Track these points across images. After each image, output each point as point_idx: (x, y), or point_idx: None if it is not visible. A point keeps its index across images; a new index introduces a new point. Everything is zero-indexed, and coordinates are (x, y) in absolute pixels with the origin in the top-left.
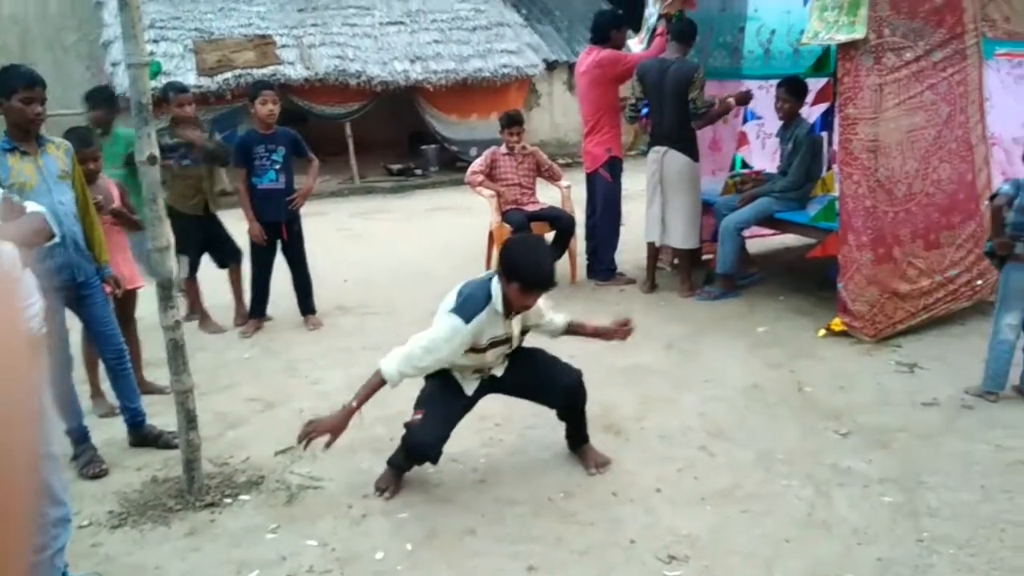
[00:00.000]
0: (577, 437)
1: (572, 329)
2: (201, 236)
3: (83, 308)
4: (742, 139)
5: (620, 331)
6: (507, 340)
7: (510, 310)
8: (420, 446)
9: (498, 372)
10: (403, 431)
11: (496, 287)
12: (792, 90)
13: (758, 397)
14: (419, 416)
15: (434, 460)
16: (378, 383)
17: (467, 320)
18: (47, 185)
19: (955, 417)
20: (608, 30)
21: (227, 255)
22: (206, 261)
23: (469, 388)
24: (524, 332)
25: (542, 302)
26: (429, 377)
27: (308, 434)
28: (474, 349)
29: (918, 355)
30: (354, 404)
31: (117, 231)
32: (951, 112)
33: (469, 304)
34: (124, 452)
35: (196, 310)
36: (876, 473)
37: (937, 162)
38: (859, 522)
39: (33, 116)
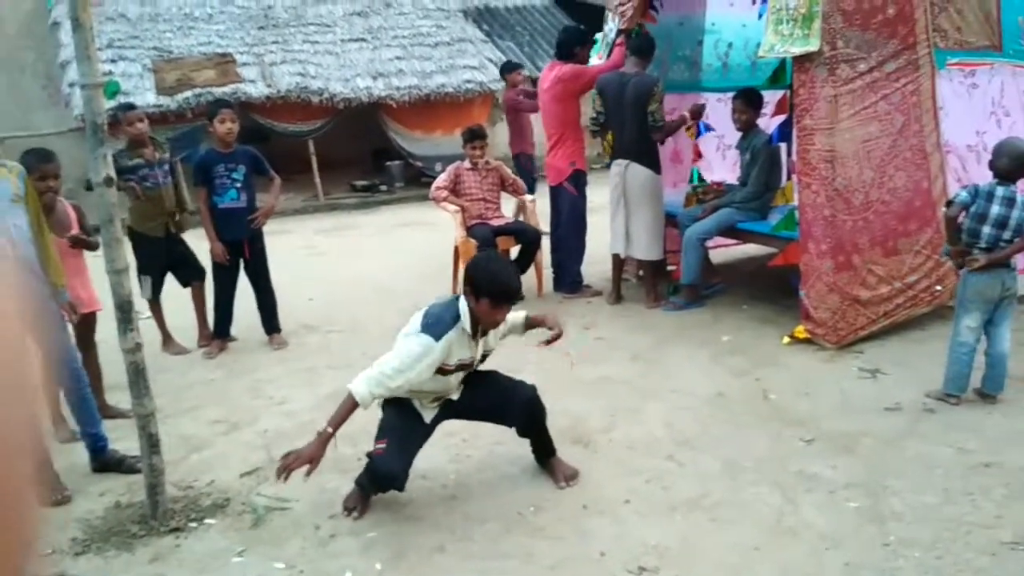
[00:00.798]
0: (543, 451)
1: (530, 322)
2: (163, 257)
3: None
4: (695, 152)
5: (552, 331)
6: (471, 364)
7: (477, 328)
8: (386, 477)
9: (454, 396)
10: (367, 453)
11: (463, 306)
12: (748, 101)
13: (724, 405)
14: (382, 446)
15: (400, 488)
16: (351, 406)
17: (437, 338)
18: None
19: (917, 421)
20: (572, 47)
21: (190, 274)
22: (169, 281)
23: (428, 415)
24: (484, 357)
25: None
26: (387, 404)
27: (287, 467)
28: (442, 371)
29: (880, 360)
30: (329, 430)
31: (74, 254)
32: (905, 121)
33: (439, 324)
34: (86, 478)
35: (163, 335)
36: (842, 478)
37: (893, 170)
38: (826, 527)
39: None
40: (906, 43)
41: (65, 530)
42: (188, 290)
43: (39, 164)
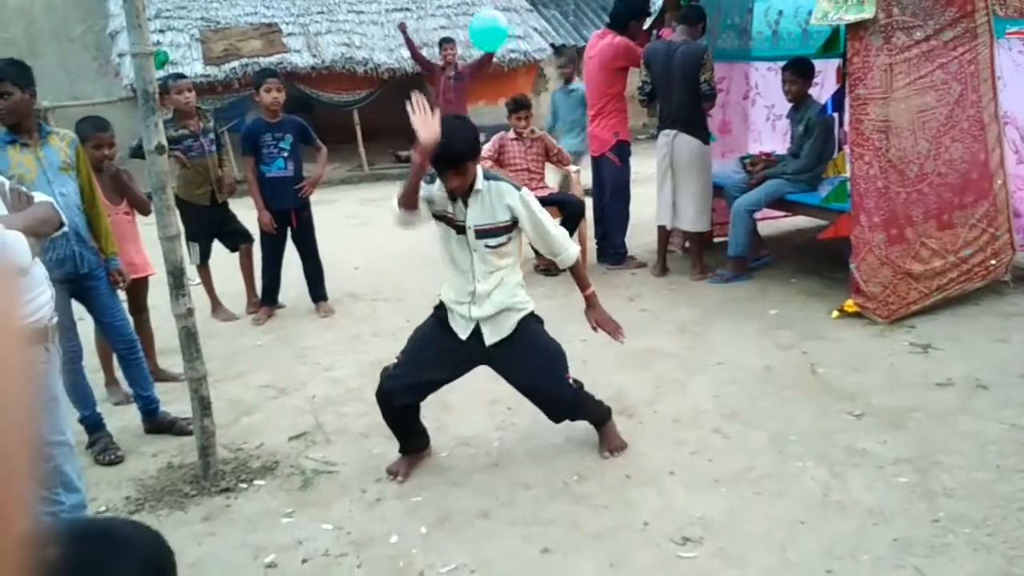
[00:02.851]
0: (593, 423)
1: (575, 270)
2: (210, 224)
3: (90, 299)
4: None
5: (598, 320)
6: (461, 227)
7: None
8: (380, 392)
9: (487, 331)
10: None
11: None
12: (798, 71)
13: (771, 379)
14: (396, 361)
15: (404, 400)
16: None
17: (428, 181)
18: (47, 177)
19: (969, 397)
20: (628, 20)
21: (238, 238)
22: (218, 249)
23: (463, 331)
24: (486, 236)
25: (546, 220)
26: (428, 319)
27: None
28: (435, 216)
29: (932, 335)
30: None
31: (128, 220)
32: (962, 91)
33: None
34: (139, 439)
35: (212, 301)
36: (891, 454)
37: (949, 142)
38: (874, 503)
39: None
40: (964, 11)
41: (119, 489)
42: (236, 258)
43: (95, 132)
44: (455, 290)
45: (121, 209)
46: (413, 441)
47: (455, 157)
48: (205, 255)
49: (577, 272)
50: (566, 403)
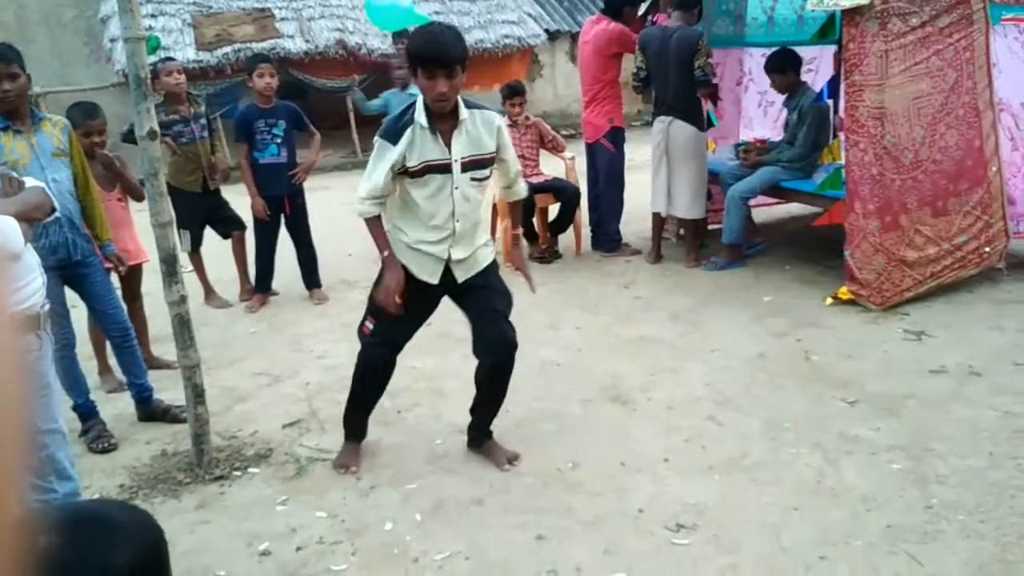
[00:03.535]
0: (482, 429)
1: (517, 205)
2: (201, 211)
3: (83, 286)
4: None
5: (518, 264)
6: (446, 168)
7: (432, 120)
8: (372, 360)
9: (458, 272)
10: (359, 328)
11: (419, 101)
12: (776, 68)
13: (764, 366)
14: (371, 324)
15: (388, 369)
16: (374, 225)
17: (392, 141)
18: (40, 163)
19: (963, 384)
20: (622, 5)
21: (229, 225)
22: (210, 236)
23: (433, 276)
24: (470, 168)
25: (507, 136)
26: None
27: (387, 304)
28: (410, 174)
29: (925, 323)
30: (385, 253)
31: (122, 207)
32: (958, 78)
33: (392, 126)
34: (133, 426)
35: (205, 288)
36: (884, 440)
37: (944, 128)
38: (868, 489)
39: (1, 93)
40: None
41: (113, 477)
42: (228, 245)
43: (85, 119)
44: (430, 231)
45: (114, 196)
46: (365, 425)
47: (450, 59)
48: (197, 242)
49: (517, 208)
50: (511, 347)
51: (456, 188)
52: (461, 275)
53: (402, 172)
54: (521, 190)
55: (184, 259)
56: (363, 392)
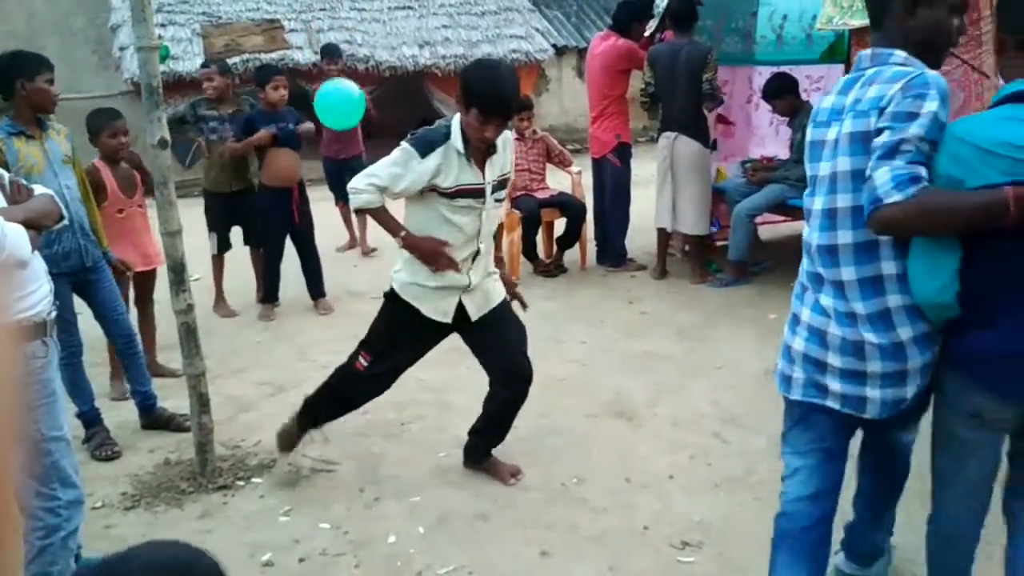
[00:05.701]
0: (487, 445)
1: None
2: (226, 213)
3: (91, 292)
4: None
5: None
6: (480, 193)
7: (468, 147)
8: (359, 392)
9: (471, 308)
10: (350, 357)
11: (456, 124)
12: (772, 93)
13: (770, 384)
14: (365, 361)
15: (385, 388)
16: (379, 213)
17: (422, 154)
18: (53, 169)
19: None
20: (631, 22)
21: (255, 236)
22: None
23: (446, 311)
24: (497, 189)
25: (510, 153)
26: (388, 307)
27: (445, 265)
28: (446, 195)
29: None
30: (403, 232)
31: (141, 213)
32: (966, 98)
33: (425, 139)
34: (136, 434)
35: (216, 290)
36: None
37: None
38: None
39: (55, 98)
40: (969, 18)
41: (116, 485)
42: (239, 253)
43: (110, 120)
44: (454, 252)
45: (135, 202)
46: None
47: (512, 111)
48: (222, 245)
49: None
50: (528, 382)
51: (485, 209)
52: (474, 312)
53: (433, 190)
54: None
55: (193, 266)
56: (336, 414)
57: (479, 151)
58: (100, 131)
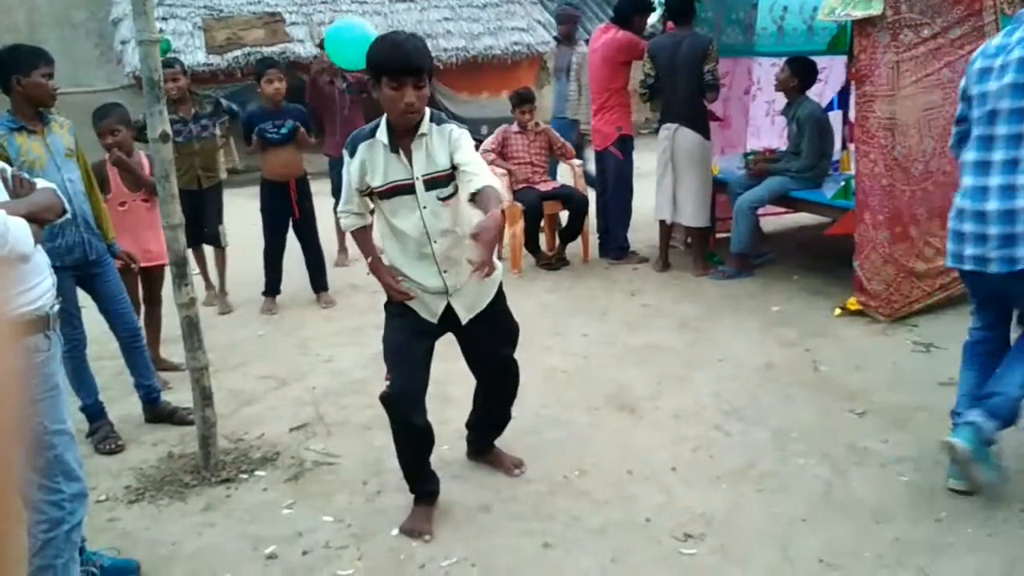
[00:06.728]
0: (485, 438)
1: (478, 200)
2: (189, 207)
3: (96, 286)
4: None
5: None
6: (410, 189)
7: (395, 139)
8: (400, 406)
9: (461, 310)
10: (380, 396)
11: (384, 119)
12: (798, 71)
13: (773, 376)
14: (388, 381)
15: (417, 412)
16: (358, 236)
17: (350, 153)
18: (56, 163)
19: None
20: (632, 14)
21: (205, 237)
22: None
23: (435, 312)
24: (435, 186)
25: (463, 140)
26: (387, 320)
27: (399, 296)
28: (379, 195)
29: (935, 335)
30: (369, 259)
31: (148, 208)
32: None
33: (354, 138)
34: (140, 428)
35: (205, 283)
36: (893, 453)
37: None
38: (876, 502)
39: (53, 92)
40: (971, 9)
41: (119, 478)
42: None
43: (96, 121)
44: (416, 261)
45: (140, 196)
46: (429, 478)
47: (418, 65)
48: (191, 240)
49: (485, 198)
50: (507, 361)
51: (424, 207)
52: (464, 314)
53: (370, 193)
54: (479, 182)
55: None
56: (409, 456)
57: (405, 137)
58: (96, 130)
